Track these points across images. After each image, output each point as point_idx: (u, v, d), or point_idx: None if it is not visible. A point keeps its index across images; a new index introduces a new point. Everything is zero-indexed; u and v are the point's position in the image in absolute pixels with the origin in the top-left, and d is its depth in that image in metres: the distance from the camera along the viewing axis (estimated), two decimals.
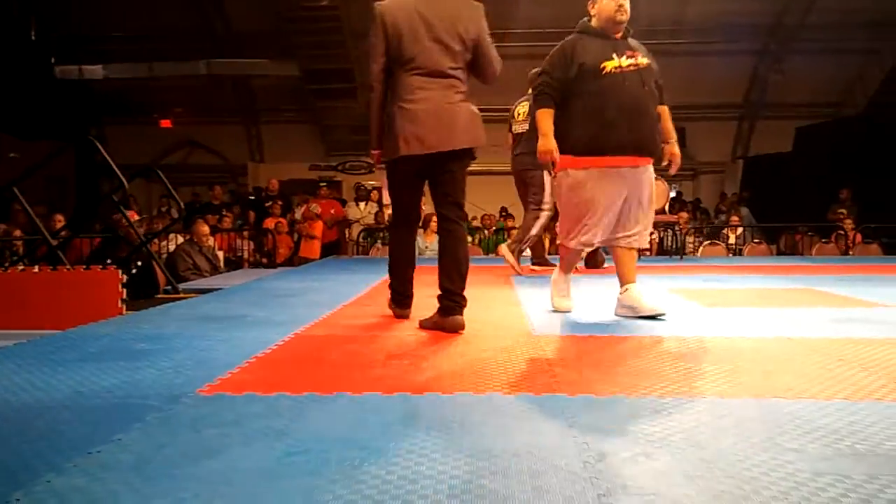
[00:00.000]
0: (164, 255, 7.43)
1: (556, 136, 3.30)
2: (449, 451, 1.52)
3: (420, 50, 2.97)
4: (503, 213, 11.88)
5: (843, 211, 10.06)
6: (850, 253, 9.23)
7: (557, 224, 3.70)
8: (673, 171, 3.49)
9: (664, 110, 3.46)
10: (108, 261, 4.74)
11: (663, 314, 3.30)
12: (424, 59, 2.98)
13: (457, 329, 3.03)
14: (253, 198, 11.51)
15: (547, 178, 6.38)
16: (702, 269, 6.43)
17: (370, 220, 10.50)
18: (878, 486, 1.31)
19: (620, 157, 3.25)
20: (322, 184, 11.24)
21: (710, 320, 3.37)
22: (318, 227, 9.83)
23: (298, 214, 10.49)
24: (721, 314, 3.56)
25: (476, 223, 11.15)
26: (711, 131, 14.15)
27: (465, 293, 3.19)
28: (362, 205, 10.88)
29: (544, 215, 5.92)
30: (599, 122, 3.23)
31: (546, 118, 3.34)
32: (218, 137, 14.83)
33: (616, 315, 3.40)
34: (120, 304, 4.31)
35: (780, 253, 10.16)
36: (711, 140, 14.08)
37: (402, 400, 1.93)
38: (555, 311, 3.57)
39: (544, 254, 6.52)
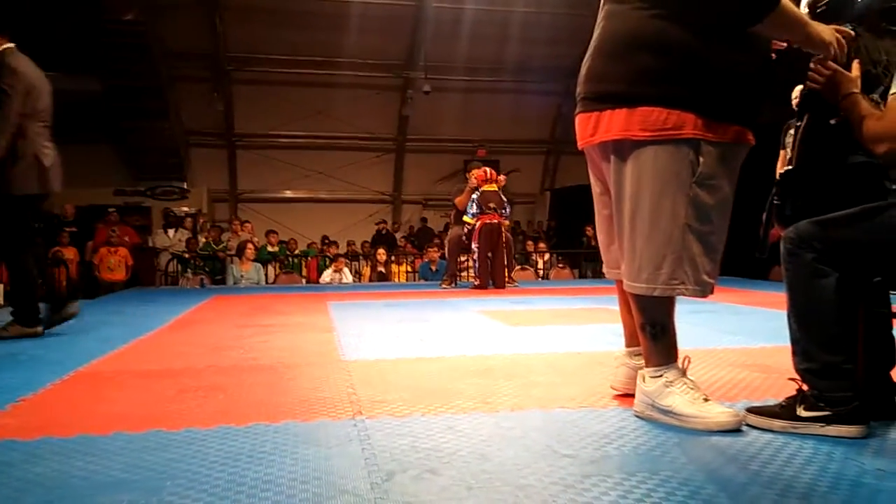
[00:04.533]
0: None
1: (677, 73, 1.77)
2: (231, 485, 1.44)
3: (46, 108, 3.70)
4: (325, 241, 11.75)
5: None
6: None
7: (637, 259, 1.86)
8: None
9: None
10: None
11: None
12: (47, 116, 3.71)
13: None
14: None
15: None
16: (512, 293, 6.78)
17: (181, 247, 9.88)
18: (634, 482, 1.43)
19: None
20: (111, 209, 10.39)
21: (512, 339, 3.55)
22: (123, 255, 9.07)
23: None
24: (522, 333, 3.77)
25: (298, 250, 10.93)
26: (524, 164, 15.11)
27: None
28: (171, 232, 10.23)
29: None
30: (764, 56, 1.85)
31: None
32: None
33: (638, 414, 1.94)
34: None
35: (582, 276, 11.01)
36: (524, 172, 15.02)
37: (187, 435, 1.80)
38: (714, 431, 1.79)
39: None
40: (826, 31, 1.78)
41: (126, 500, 1.36)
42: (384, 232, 12.76)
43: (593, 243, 12.05)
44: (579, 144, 2.00)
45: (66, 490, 1.42)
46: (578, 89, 1.97)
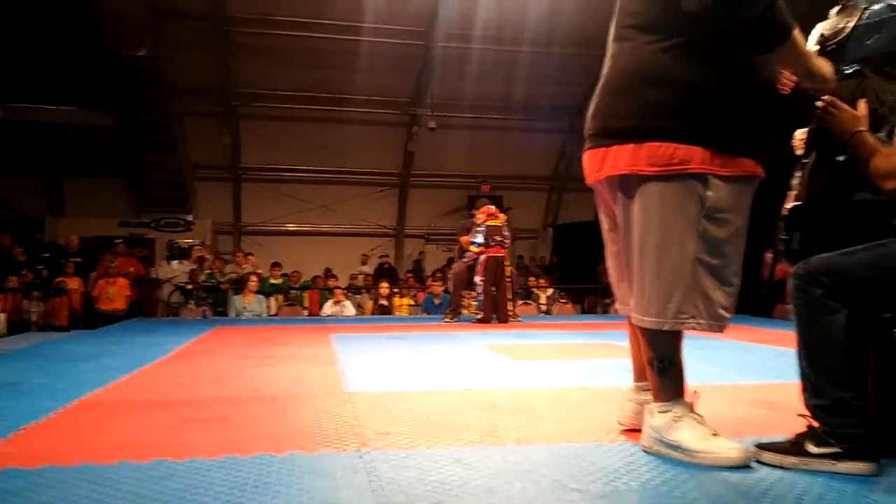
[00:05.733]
0: None
1: (684, 107, 1.79)
2: None
3: None
4: (328, 274, 11.74)
5: None
6: None
7: (647, 293, 1.85)
8: None
9: None
10: None
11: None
12: None
13: None
14: (47, 255, 10.38)
15: None
16: (515, 327, 6.77)
17: (183, 278, 9.89)
18: None
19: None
20: (117, 240, 10.45)
21: (517, 373, 3.53)
22: (122, 286, 9.05)
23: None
24: (527, 367, 3.75)
25: (296, 283, 10.91)
26: (527, 200, 15.20)
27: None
28: (175, 263, 10.26)
29: None
30: (769, 84, 1.89)
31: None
32: (9, 188, 13.28)
33: (646, 449, 1.92)
34: None
35: (584, 311, 10.97)
36: (527, 208, 15.09)
37: (192, 465, 1.79)
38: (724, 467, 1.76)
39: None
40: (826, 67, 1.83)
41: None
42: (386, 266, 12.77)
43: (605, 281, 12.09)
44: (588, 180, 2.01)
45: None
46: (587, 126, 1.99)
